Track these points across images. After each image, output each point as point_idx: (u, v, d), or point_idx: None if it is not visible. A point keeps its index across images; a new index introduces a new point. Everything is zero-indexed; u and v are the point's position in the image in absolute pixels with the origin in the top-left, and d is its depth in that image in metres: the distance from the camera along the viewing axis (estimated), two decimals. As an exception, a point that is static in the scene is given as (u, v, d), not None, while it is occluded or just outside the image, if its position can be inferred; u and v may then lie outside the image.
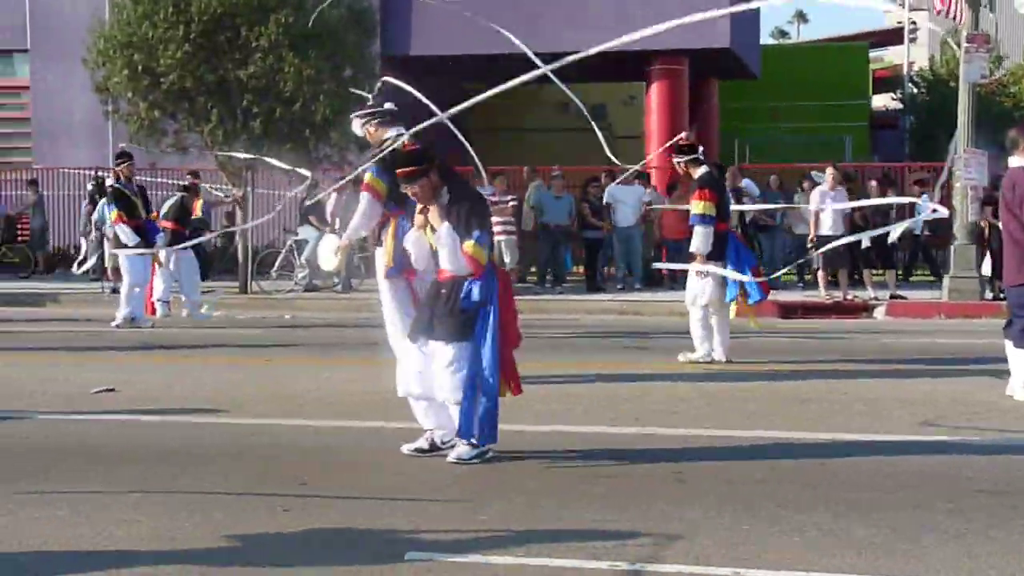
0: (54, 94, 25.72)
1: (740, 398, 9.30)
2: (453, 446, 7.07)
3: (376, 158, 9.40)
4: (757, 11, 28.94)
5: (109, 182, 19.63)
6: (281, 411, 8.78)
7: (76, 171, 24.61)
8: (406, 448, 7.21)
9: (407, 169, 7.03)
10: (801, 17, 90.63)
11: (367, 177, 9.40)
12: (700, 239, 11.17)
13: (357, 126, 9.96)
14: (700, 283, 11.30)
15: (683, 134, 11.99)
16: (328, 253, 9.13)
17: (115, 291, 19.40)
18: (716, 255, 11.22)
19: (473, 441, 6.94)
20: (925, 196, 20.23)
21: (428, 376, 7.02)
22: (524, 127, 30.94)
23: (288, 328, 15.21)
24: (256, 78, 18.43)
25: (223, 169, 19.76)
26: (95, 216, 21.41)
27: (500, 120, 29.87)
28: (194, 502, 6.09)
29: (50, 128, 25.94)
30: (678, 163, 11.60)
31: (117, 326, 14.97)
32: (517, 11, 22.54)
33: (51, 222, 24.78)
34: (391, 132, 9.58)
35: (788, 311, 16.98)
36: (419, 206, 7.10)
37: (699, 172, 11.34)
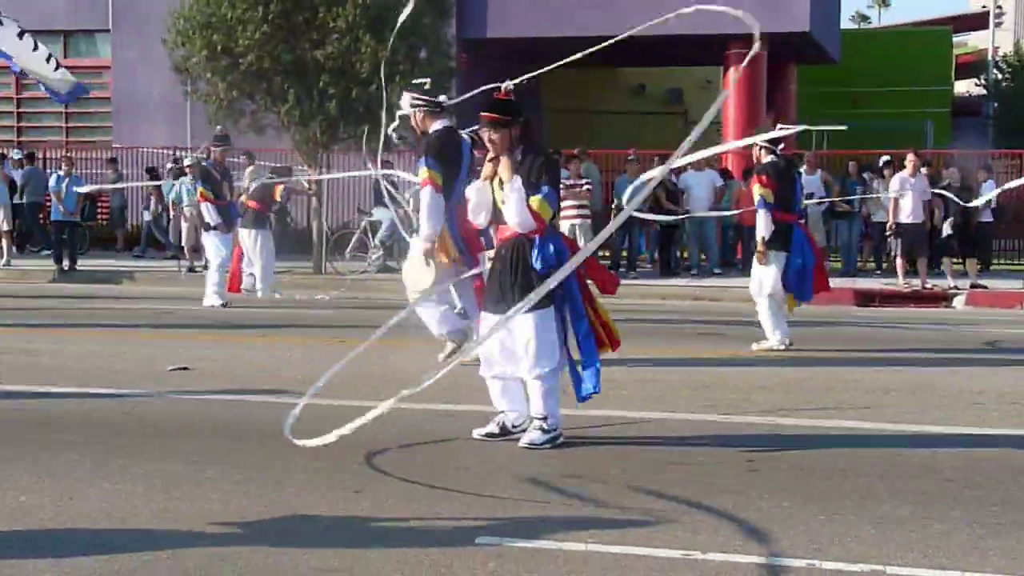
0: (134, 74, 26.02)
1: (814, 387, 9.17)
2: (525, 430, 7.04)
3: (426, 149, 9.39)
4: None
5: (187, 162, 19.91)
6: (352, 392, 8.79)
7: (154, 150, 24.91)
8: (477, 433, 7.19)
9: (496, 115, 6.97)
10: (882, 1, 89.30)
11: (423, 172, 9.40)
12: (761, 224, 11.09)
13: (406, 103, 9.96)
14: (763, 271, 11.20)
15: (795, 128, 11.99)
16: (419, 272, 8.96)
17: (191, 270, 19.66)
18: (779, 246, 11.11)
19: (544, 426, 6.90)
20: (991, 181, 19.95)
21: (508, 352, 6.98)
22: (598, 110, 30.81)
23: (361, 309, 15.24)
24: (333, 59, 18.52)
25: (298, 150, 19.89)
26: (172, 195, 21.71)
27: (574, 102, 29.76)
28: (265, 481, 6.10)
29: (130, 108, 26.25)
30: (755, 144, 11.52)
31: (212, 305, 15.14)
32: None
33: (129, 201, 25.07)
34: (437, 124, 9.64)
35: (865, 299, 16.76)
36: (489, 155, 7.07)
37: (765, 159, 11.28)
